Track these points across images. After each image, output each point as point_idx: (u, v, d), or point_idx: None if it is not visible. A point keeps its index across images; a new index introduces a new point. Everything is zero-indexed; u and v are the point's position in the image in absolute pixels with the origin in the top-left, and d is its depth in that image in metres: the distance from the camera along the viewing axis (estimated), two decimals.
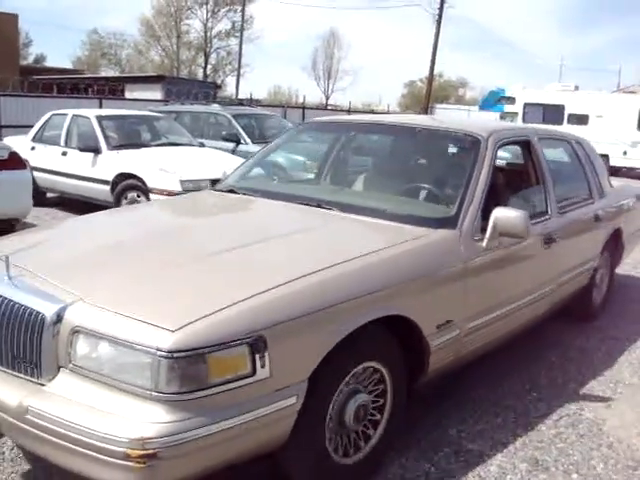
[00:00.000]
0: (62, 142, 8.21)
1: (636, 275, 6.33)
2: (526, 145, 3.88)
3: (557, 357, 4.07)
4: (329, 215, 3.15)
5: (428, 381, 2.88)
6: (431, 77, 31.82)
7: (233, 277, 2.34)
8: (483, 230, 3.03)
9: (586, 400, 3.47)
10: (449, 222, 3.00)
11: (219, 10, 49.70)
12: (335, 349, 2.24)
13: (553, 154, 4.39)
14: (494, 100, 21.82)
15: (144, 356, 1.93)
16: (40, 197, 8.18)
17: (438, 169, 3.79)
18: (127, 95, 26.75)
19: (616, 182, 5.41)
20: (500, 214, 3.00)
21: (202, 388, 1.95)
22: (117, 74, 44.62)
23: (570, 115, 17.92)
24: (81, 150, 7.75)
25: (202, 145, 8.80)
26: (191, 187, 6.45)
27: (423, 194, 3.42)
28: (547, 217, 3.72)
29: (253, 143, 9.42)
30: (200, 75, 48.90)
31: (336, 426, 2.41)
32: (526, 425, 3.15)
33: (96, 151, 7.63)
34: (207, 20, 49.50)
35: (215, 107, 10.83)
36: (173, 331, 1.94)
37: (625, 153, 16.84)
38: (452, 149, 3.74)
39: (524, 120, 18.27)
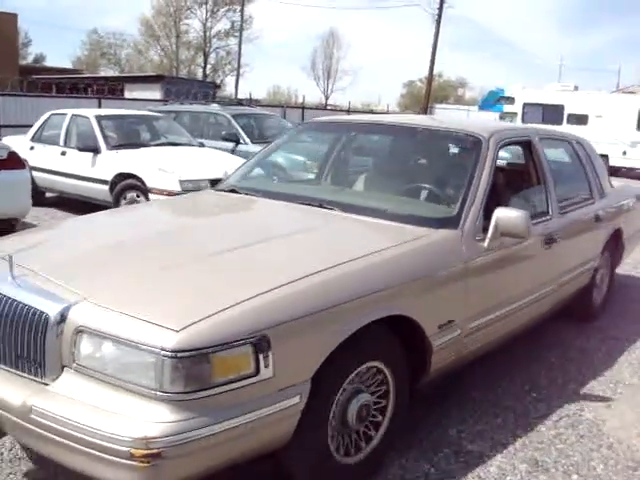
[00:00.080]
0: (61, 142, 8.20)
1: (636, 275, 6.34)
2: (527, 145, 3.88)
3: (557, 357, 4.07)
4: (331, 215, 3.15)
5: (429, 381, 2.89)
6: (430, 77, 31.84)
7: (236, 277, 2.34)
8: (484, 230, 3.04)
9: (586, 400, 3.47)
10: (451, 222, 3.01)
11: (218, 10, 49.77)
12: (338, 349, 2.24)
13: (554, 154, 4.39)
14: (493, 100, 21.78)
15: (148, 356, 1.93)
16: (39, 197, 8.18)
17: (439, 169, 3.79)
18: (126, 95, 26.74)
19: (616, 182, 5.42)
20: (502, 214, 3.01)
21: (206, 388, 1.95)
22: (116, 74, 44.58)
23: (569, 115, 17.96)
24: (80, 150, 7.74)
25: (202, 145, 8.79)
26: (190, 187, 6.45)
27: (424, 194, 3.42)
28: (548, 217, 3.73)
29: (252, 143, 9.42)
30: (199, 75, 48.91)
31: (338, 426, 2.41)
32: (526, 426, 3.15)
33: (95, 151, 7.63)
34: (206, 20, 49.59)
35: (214, 107, 10.80)
36: (177, 331, 1.94)
37: (625, 153, 16.87)
38: (454, 149, 3.73)
39: (523, 120, 18.29)
